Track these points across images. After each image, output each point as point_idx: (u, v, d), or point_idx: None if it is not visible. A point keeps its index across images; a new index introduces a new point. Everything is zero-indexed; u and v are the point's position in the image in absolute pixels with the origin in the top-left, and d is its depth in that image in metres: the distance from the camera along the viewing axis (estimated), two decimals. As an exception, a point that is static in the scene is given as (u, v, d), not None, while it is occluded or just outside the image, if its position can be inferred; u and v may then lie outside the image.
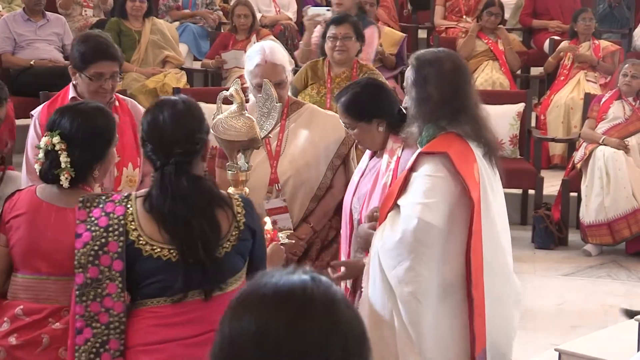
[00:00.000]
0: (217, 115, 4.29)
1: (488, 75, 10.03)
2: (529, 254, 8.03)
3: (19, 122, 8.84)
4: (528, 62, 10.95)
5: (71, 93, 4.68)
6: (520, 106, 8.78)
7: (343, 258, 4.53)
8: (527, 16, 11.54)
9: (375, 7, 10.11)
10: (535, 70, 11.08)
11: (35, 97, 7.81)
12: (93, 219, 3.35)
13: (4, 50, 9.17)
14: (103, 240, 3.31)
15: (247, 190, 4.21)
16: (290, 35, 10.82)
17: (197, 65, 10.61)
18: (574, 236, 8.28)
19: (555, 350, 5.00)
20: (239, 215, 3.42)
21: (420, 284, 3.77)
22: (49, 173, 3.65)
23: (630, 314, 5.67)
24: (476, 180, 3.79)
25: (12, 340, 3.59)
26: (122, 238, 3.31)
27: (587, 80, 9.83)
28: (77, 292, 3.29)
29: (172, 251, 3.31)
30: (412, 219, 3.76)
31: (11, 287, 3.69)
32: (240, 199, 3.47)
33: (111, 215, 3.35)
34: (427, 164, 3.80)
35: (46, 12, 9.40)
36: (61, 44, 9.39)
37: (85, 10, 10.54)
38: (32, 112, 4.78)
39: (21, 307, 3.62)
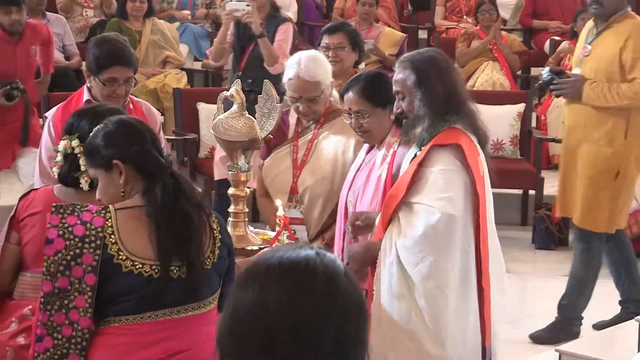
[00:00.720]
0: (217, 116, 4.29)
1: (488, 76, 10.03)
2: (529, 254, 8.02)
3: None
4: (528, 62, 10.94)
5: (85, 95, 4.67)
6: (521, 106, 8.78)
7: (336, 253, 4.53)
8: (527, 17, 11.54)
9: (375, 7, 10.12)
10: (536, 71, 11.06)
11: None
12: (67, 225, 3.11)
13: None
14: (77, 250, 3.08)
15: (247, 190, 4.21)
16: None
17: (197, 65, 10.61)
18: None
19: (556, 350, 5.00)
20: (215, 231, 3.25)
21: (445, 278, 3.84)
22: (68, 176, 3.64)
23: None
24: (480, 173, 3.85)
25: (21, 340, 3.58)
26: (98, 251, 3.08)
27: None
28: (42, 300, 3.07)
29: (153, 267, 3.10)
30: (434, 214, 3.80)
31: (19, 287, 3.69)
32: (214, 214, 3.29)
33: (89, 225, 3.11)
34: (440, 158, 3.86)
35: (46, 13, 9.39)
36: (61, 44, 9.38)
37: (85, 11, 10.53)
38: (46, 114, 4.77)
39: (30, 307, 3.59)
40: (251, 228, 4.31)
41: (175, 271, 3.11)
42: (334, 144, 4.76)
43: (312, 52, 4.98)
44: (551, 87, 5.86)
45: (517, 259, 7.72)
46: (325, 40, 5.87)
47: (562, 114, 9.52)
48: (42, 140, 4.66)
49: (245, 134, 4.11)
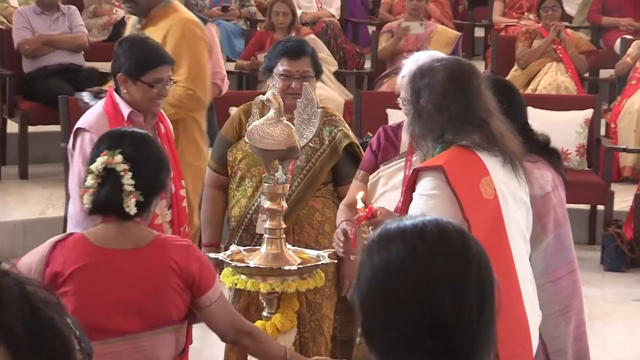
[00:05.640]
0: (252, 122, 4.30)
1: (552, 78, 9.99)
2: (597, 276, 7.97)
3: (35, 129, 8.91)
4: (597, 63, 10.88)
5: (125, 108, 4.65)
6: (588, 112, 8.74)
7: None
8: (595, 13, 11.49)
9: (425, 2, 10.11)
10: (605, 73, 11.01)
11: (51, 105, 7.86)
12: None
13: (22, 38, 9.15)
14: None
15: (284, 204, 4.21)
16: (333, 33, 10.85)
17: (230, 67, 10.62)
18: (648, 257, 8.22)
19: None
20: None
21: None
22: (109, 202, 3.42)
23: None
24: (484, 196, 3.69)
25: None
26: None
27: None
28: None
29: None
30: None
31: None
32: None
33: None
34: (422, 182, 3.74)
35: (61, 5, 9.45)
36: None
37: (115, 10, 10.64)
38: (84, 125, 4.63)
39: None
40: (289, 246, 4.31)
41: None
42: None
43: (435, 52, 4.64)
44: None
45: (584, 282, 7.63)
46: (284, 65, 4.91)
47: (635, 120, 9.53)
48: (78, 161, 4.57)
49: (282, 142, 4.11)
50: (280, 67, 4.91)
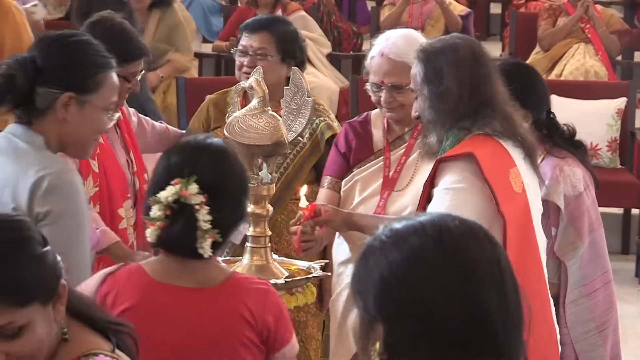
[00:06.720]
0: (232, 113, 4.31)
1: (580, 62, 10.00)
2: (632, 291, 7.98)
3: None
4: (631, 44, 10.88)
5: None
6: (621, 101, 8.74)
7: None
8: (629, -14, 11.53)
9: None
10: (641, 56, 11.04)
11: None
12: None
13: None
14: None
15: (270, 208, 4.22)
16: (326, 10, 10.84)
17: (207, 48, 10.63)
18: (690, 269, 8.24)
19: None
20: None
21: None
22: (181, 240, 3.22)
23: None
24: (513, 189, 3.73)
25: None
26: None
27: None
28: None
29: None
30: None
31: None
32: None
33: None
34: (447, 174, 3.75)
35: None
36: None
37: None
38: None
39: None
40: (275, 256, 4.31)
41: None
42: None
43: (407, 30, 4.73)
44: None
45: (617, 297, 7.67)
46: (242, 40, 5.16)
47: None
48: None
49: (267, 136, 4.12)
50: (239, 43, 5.11)
